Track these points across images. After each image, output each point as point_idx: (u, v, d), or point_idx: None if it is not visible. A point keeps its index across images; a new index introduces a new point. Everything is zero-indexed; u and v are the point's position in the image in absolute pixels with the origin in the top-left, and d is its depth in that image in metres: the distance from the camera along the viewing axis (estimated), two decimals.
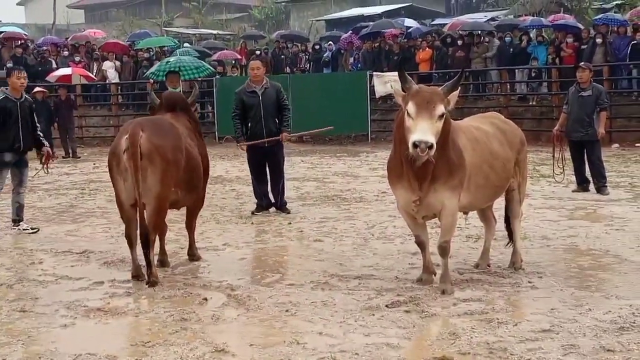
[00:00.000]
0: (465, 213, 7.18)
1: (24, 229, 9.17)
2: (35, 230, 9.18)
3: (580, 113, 11.21)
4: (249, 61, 25.98)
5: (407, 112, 5.63)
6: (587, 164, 11.40)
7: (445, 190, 5.97)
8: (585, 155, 11.36)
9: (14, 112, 9.02)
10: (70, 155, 19.37)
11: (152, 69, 16.90)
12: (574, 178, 11.59)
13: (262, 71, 9.98)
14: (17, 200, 9.36)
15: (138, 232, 6.58)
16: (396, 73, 6.33)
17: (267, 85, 9.91)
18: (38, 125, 9.49)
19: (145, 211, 6.54)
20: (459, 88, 6.08)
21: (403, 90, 5.81)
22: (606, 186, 11.22)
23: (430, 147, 5.43)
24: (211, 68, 18.67)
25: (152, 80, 21.62)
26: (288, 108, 10.13)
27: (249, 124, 9.96)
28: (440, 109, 5.61)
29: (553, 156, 11.21)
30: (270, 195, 10.27)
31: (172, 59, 16.94)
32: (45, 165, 9.69)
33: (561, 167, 10.99)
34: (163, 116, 7.17)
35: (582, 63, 12.83)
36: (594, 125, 11.22)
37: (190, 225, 7.57)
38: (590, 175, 11.38)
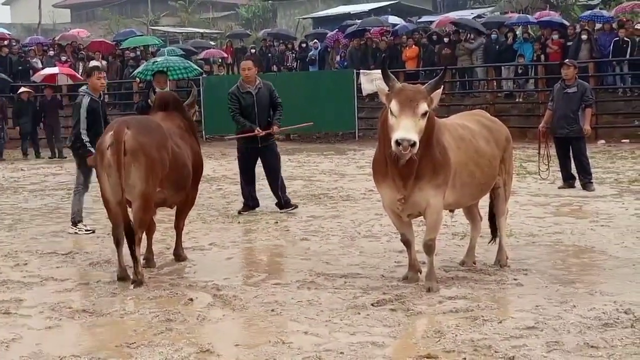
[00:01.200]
0: (452, 211, 7.19)
1: (78, 231, 9.04)
2: (90, 231, 9.03)
3: (565, 110, 11.25)
4: (236, 60, 26.15)
5: (390, 111, 5.65)
6: (573, 160, 11.44)
7: (430, 189, 5.98)
8: (570, 151, 11.40)
9: (98, 112, 8.91)
10: (57, 155, 19.28)
11: (140, 69, 16.82)
12: (559, 174, 11.63)
13: (253, 71, 9.95)
14: (78, 199, 9.27)
15: (125, 228, 6.56)
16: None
17: (261, 85, 9.91)
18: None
19: (131, 209, 6.56)
20: (443, 86, 6.09)
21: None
22: (592, 182, 11.27)
23: (413, 145, 5.44)
24: (199, 69, 18.61)
25: (138, 80, 21.63)
26: (281, 105, 10.13)
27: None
28: (423, 107, 5.62)
29: (539, 153, 11.26)
30: (258, 195, 10.27)
31: (159, 58, 16.88)
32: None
33: (546, 163, 11.02)
34: (153, 116, 7.19)
35: (567, 60, 12.91)
36: (579, 122, 11.26)
37: (178, 225, 7.55)
38: (575, 171, 11.42)
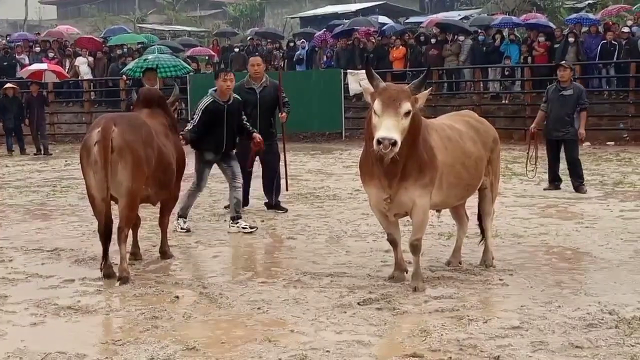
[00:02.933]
0: (438, 211, 7.22)
1: (242, 227, 8.63)
2: (253, 229, 8.66)
3: (560, 112, 11.21)
4: (222, 58, 26.11)
5: (374, 110, 5.68)
6: (566, 163, 11.40)
7: (416, 189, 5.99)
8: (561, 154, 11.39)
9: (221, 117, 8.55)
10: (42, 152, 19.18)
11: (129, 66, 16.77)
12: (545, 176, 11.66)
13: (262, 67, 9.81)
14: (234, 196, 8.83)
15: (104, 225, 6.55)
16: None
17: (267, 84, 9.78)
18: (244, 117, 8.94)
19: (118, 205, 6.58)
20: (431, 87, 6.12)
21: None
22: (584, 185, 11.28)
23: (394, 144, 5.46)
24: (188, 67, 18.56)
25: (125, 77, 21.53)
26: (289, 104, 10.15)
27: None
28: (406, 106, 5.63)
29: (527, 153, 11.25)
30: (250, 194, 10.23)
31: (150, 56, 16.81)
32: (254, 154, 9.23)
33: (534, 164, 11.04)
34: (138, 113, 7.17)
35: (563, 62, 12.81)
36: (574, 125, 11.24)
37: (163, 223, 7.54)
38: (566, 174, 11.40)
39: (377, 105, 5.66)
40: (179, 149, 7.37)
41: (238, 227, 8.65)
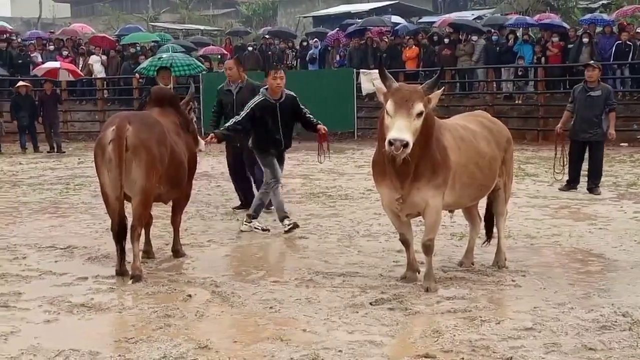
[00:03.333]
0: (451, 211, 7.20)
1: (255, 227, 8.61)
2: (266, 231, 8.60)
3: (588, 113, 11.05)
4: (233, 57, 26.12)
5: (386, 110, 5.68)
6: (589, 163, 11.30)
7: (428, 189, 5.98)
8: (585, 154, 11.28)
9: (273, 114, 8.44)
10: (55, 150, 19.26)
11: (144, 64, 16.80)
12: (559, 177, 11.54)
13: (234, 71, 9.89)
14: (259, 197, 8.75)
15: (118, 224, 6.57)
16: None
17: (243, 85, 9.84)
18: (306, 110, 8.71)
19: (131, 204, 6.61)
20: (444, 87, 6.12)
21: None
22: (599, 187, 11.20)
23: (406, 145, 5.46)
24: (202, 66, 18.59)
25: (137, 76, 21.61)
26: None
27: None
28: (419, 107, 5.62)
29: (555, 155, 11.10)
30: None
31: (164, 55, 16.84)
32: (321, 147, 8.87)
33: (562, 165, 10.91)
34: (150, 112, 7.18)
35: (592, 62, 12.48)
36: (602, 126, 11.12)
37: (175, 221, 7.56)
38: (587, 175, 11.30)
39: (389, 105, 5.66)
40: (190, 148, 7.37)
41: (251, 226, 8.64)
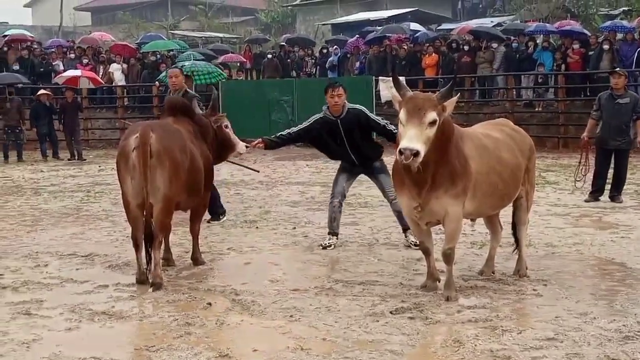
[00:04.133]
0: (472, 220, 7.17)
1: (411, 241, 8.04)
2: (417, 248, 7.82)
3: (617, 121, 10.93)
4: (254, 65, 26.23)
5: (399, 119, 5.68)
6: (613, 171, 11.20)
7: (448, 198, 5.96)
8: (611, 163, 11.19)
9: (336, 131, 8.14)
10: (76, 157, 19.37)
11: (164, 74, 16.92)
12: (580, 185, 11.45)
13: (179, 79, 9.66)
14: (394, 209, 8.26)
15: (141, 232, 6.65)
16: (402, 78, 6.34)
17: (180, 94, 9.37)
18: (380, 120, 8.35)
19: (152, 212, 6.62)
20: (459, 94, 6.10)
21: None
22: (621, 195, 11.09)
23: (416, 154, 5.45)
24: (223, 73, 18.66)
25: (157, 84, 21.74)
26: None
27: None
28: (431, 115, 5.61)
29: (580, 162, 10.98)
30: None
31: (187, 63, 16.96)
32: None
33: (584, 174, 10.83)
34: (166, 120, 7.22)
35: (618, 69, 12.31)
36: (629, 134, 11.01)
37: (194, 229, 7.58)
38: (610, 183, 11.21)
39: (402, 114, 5.67)
40: (206, 155, 7.37)
41: (407, 240, 8.24)
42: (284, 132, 8.42)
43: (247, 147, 7.94)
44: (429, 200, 5.98)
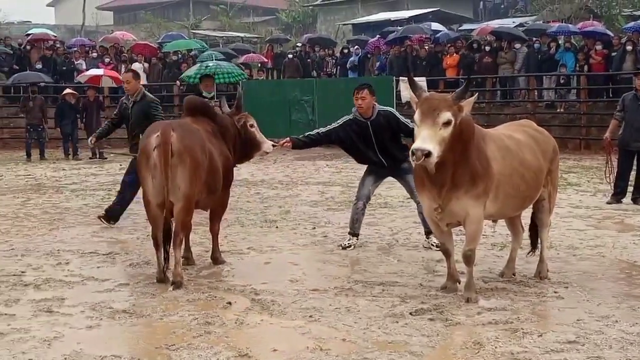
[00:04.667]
0: (494, 221, 7.13)
1: (432, 243, 8.07)
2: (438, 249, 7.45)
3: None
4: (275, 65, 26.24)
5: (414, 120, 5.68)
6: (636, 173, 11.11)
7: (468, 199, 5.94)
8: (634, 164, 11.10)
9: (365, 133, 8.10)
10: (97, 156, 19.46)
11: (190, 72, 16.96)
12: (601, 187, 11.36)
13: (132, 84, 9.60)
14: (419, 211, 8.05)
15: (162, 232, 6.71)
16: (423, 79, 6.34)
17: (137, 99, 9.51)
18: (413, 125, 8.24)
19: (173, 210, 6.65)
20: (477, 94, 6.09)
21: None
22: None
23: (428, 154, 5.46)
24: (244, 73, 18.68)
25: (179, 83, 21.84)
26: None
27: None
28: (445, 116, 5.60)
29: (606, 163, 10.89)
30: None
31: (211, 63, 17.01)
32: None
33: (609, 175, 10.75)
34: (185, 119, 7.27)
35: None
36: None
37: (213, 229, 7.61)
38: (633, 185, 11.12)
39: (416, 115, 5.70)
40: (225, 155, 7.38)
41: (429, 242, 8.20)
42: (313, 132, 8.39)
43: (274, 145, 7.93)
44: (449, 201, 5.97)
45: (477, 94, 6.51)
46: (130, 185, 9.64)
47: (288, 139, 8.14)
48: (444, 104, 5.66)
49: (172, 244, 6.71)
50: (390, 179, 8.64)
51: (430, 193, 6.05)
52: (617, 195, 11.09)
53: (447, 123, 5.63)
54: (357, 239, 8.38)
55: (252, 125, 7.74)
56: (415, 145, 5.52)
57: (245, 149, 7.75)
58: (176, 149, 6.47)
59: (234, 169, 7.74)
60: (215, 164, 7.00)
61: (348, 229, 8.48)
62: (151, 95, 9.91)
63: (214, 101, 11.21)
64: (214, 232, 7.61)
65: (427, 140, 5.52)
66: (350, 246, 8.23)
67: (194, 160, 6.58)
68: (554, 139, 7.08)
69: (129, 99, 9.69)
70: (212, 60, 18.42)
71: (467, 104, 5.80)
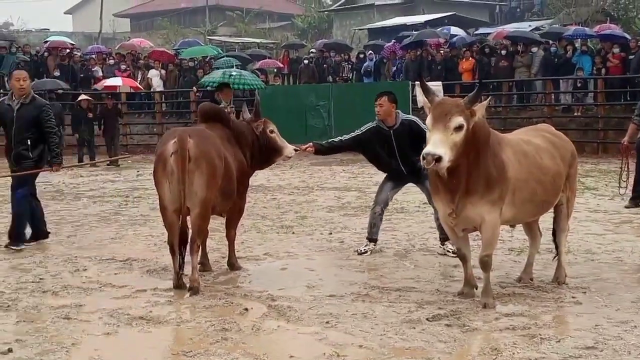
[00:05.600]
0: (512, 226, 7.09)
1: (448, 250, 8.04)
2: (454, 256, 7.46)
3: None
4: (291, 70, 26.29)
5: (426, 124, 5.68)
6: None
7: (483, 204, 5.92)
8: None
9: (387, 141, 8.08)
10: (114, 162, 19.51)
11: (210, 78, 17.02)
12: (621, 191, 11.25)
13: (28, 84, 8.69)
14: (435, 217, 8.04)
15: (179, 238, 6.74)
16: (439, 83, 6.33)
17: (26, 101, 8.55)
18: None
19: (189, 216, 6.71)
20: (490, 97, 6.09)
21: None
22: None
23: (438, 159, 5.47)
24: (262, 85, 18.71)
25: (195, 89, 21.95)
26: (53, 133, 8.64)
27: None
28: (457, 120, 5.60)
29: (621, 168, 10.81)
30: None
31: (234, 72, 17.09)
32: None
33: (626, 180, 10.68)
34: (200, 126, 7.32)
35: None
36: None
37: (229, 235, 7.62)
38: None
39: (428, 120, 5.72)
40: (240, 160, 7.39)
41: (444, 249, 8.16)
42: (336, 139, 8.39)
43: (295, 150, 7.95)
44: (464, 206, 5.95)
45: (490, 97, 6.51)
46: (21, 200, 8.70)
47: (311, 144, 8.11)
48: (456, 109, 5.66)
49: (188, 250, 6.74)
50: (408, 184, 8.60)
51: (444, 198, 6.04)
52: (636, 199, 11.00)
53: (458, 128, 5.62)
54: (375, 245, 8.36)
55: (272, 131, 7.75)
56: (426, 150, 5.52)
57: (266, 154, 7.76)
58: (193, 155, 6.51)
59: (250, 174, 7.75)
60: (230, 170, 7.02)
61: (366, 235, 8.46)
62: (42, 99, 9.11)
63: (230, 107, 11.25)
64: (230, 239, 7.62)
65: (439, 144, 5.52)
66: (366, 252, 8.22)
67: (211, 166, 6.62)
68: (572, 143, 7.03)
69: (13, 99, 8.61)
70: (234, 69, 18.45)
71: (480, 107, 5.79)
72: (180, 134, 6.65)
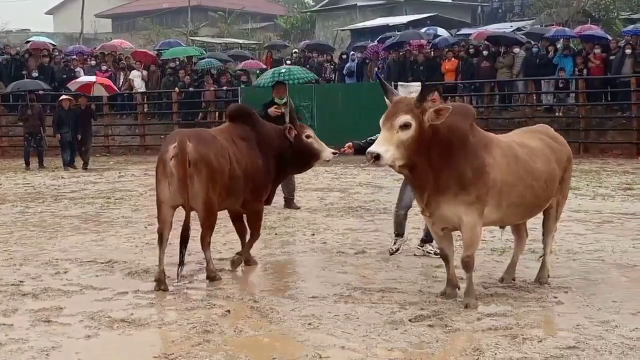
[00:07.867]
0: (502, 227, 7.06)
1: (427, 251, 8.09)
2: (437, 256, 7.48)
3: None
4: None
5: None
6: None
7: (458, 204, 5.91)
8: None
9: None
10: (83, 165, 19.13)
11: (263, 80, 16.76)
12: (602, 191, 11.36)
13: None
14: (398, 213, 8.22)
15: (180, 237, 6.91)
16: (418, 83, 6.35)
17: None
18: None
19: (198, 215, 7.00)
20: (434, 91, 6.25)
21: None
22: None
23: (377, 157, 5.54)
24: (314, 76, 18.06)
25: (177, 90, 21.82)
26: None
27: None
28: (402, 119, 5.64)
29: None
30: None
31: (283, 69, 16.84)
32: None
33: None
34: (220, 126, 7.72)
35: None
36: None
37: (249, 241, 7.80)
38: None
39: (381, 118, 5.75)
40: (255, 164, 7.42)
41: (424, 250, 8.18)
42: (373, 137, 8.32)
43: (334, 153, 7.95)
44: (437, 205, 5.96)
45: (434, 90, 6.59)
46: None
47: (350, 144, 7.90)
48: (404, 108, 5.69)
49: (200, 246, 7.08)
50: (382, 183, 8.62)
51: (416, 195, 6.14)
52: None
53: (404, 126, 5.65)
54: (403, 238, 8.23)
55: (308, 136, 7.82)
56: (369, 148, 5.60)
57: (302, 158, 7.90)
58: (192, 159, 6.71)
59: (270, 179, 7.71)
60: (235, 170, 7.13)
61: (393, 233, 8.29)
62: None
63: (284, 107, 11.06)
64: (250, 239, 7.75)
65: (381, 143, 5.60)
66: (398, 249, 8.10)
67: (210, 168, 6.83)
68: (569, 146, 6.98)
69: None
70: (283, 66, 18.10)
71: (433, 104, 5.85)
72: (180, 137, 6.83)
